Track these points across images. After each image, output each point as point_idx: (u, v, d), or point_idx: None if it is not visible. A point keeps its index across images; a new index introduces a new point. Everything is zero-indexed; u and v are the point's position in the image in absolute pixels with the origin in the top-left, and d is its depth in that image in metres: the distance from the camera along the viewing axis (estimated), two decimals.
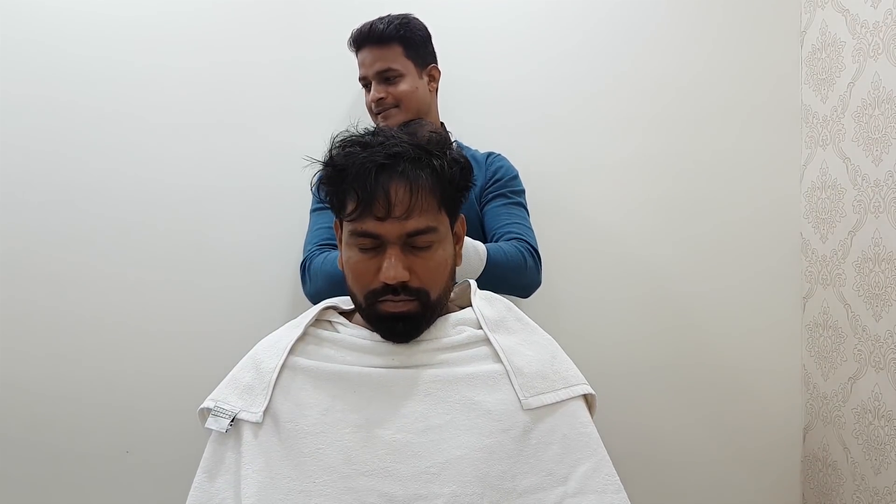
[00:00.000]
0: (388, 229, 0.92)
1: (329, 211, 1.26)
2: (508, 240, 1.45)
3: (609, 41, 1.90)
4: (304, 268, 1.43)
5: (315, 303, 1.21)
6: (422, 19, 1.59)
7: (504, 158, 1.61)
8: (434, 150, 0.96)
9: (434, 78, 1.60)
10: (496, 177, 1.56)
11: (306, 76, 1.80)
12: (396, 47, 1.52)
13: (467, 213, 1.28)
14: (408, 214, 0.92)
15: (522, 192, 1.58)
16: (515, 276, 1.40)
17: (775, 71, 1.97)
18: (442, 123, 1.62)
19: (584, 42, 1.89)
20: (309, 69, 1.80)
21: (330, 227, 1.40)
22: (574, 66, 1.88)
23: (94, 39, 1.71)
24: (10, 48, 1.68)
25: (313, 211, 1.53)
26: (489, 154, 1.61)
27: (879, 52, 1.71)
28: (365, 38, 1.53)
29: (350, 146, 0.95)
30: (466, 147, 1.62)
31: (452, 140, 1.02)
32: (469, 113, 1.81)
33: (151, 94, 1.74)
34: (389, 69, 1.52)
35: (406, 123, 1.49)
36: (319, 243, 1.45)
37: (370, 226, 0.93)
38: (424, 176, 0.93)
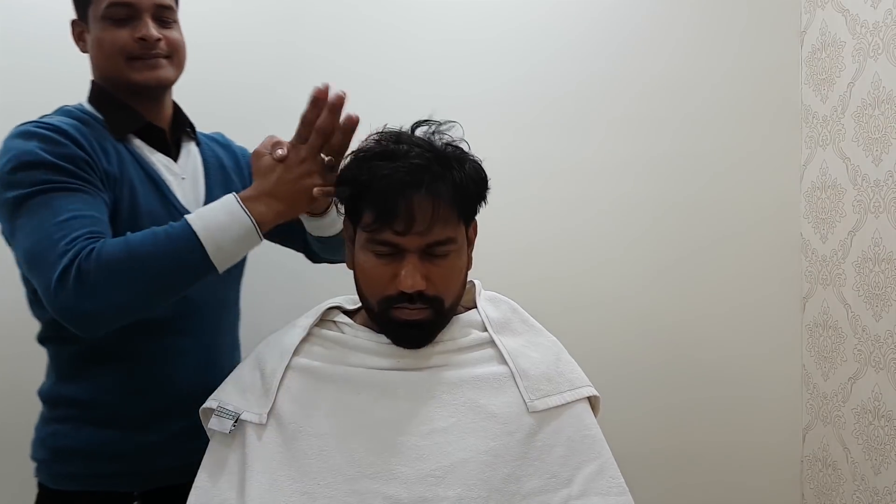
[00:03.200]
0: (408, 241, 0.92)
1: (83, 194, 1.03)
2: None
3: (608, 41, 1.90)
4: (75, 271, 0.94)
5: (94, 323, 0.98)
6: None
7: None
8: (454, 162, 0.95)
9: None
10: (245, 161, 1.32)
11: (307, 76, 1.79)
12: None
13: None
14: (429, 229, 0.91)
15: None
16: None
17: (775, 71, 1.97)
18: (175, 103, 1.28)
19: (583, 42, 1.88)
20: (309, 70, 1.79)
21: (97, 217, 1.02)
22: (572, 66, 1.88)
23: None
24: (10, 48, 1.67)
25: (46, 190, 1.01)
26: (227, 139, 1.40)
27: (879, 52, 1.71)
28: None
29: (370, 159, 0.93)
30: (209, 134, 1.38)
31: (469, 153, 1.00)
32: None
33: None
34: (169, 7, 1.16)
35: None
36: (87, 235, 0.98)
37: (389, 236, 0.92)
38: (445, 189, 0.92)
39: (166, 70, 1.16)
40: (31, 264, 1.00)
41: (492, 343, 0.99)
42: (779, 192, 1.97)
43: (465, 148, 0.99)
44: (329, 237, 1.17)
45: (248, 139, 1.33)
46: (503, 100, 1.85)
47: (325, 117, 1.00)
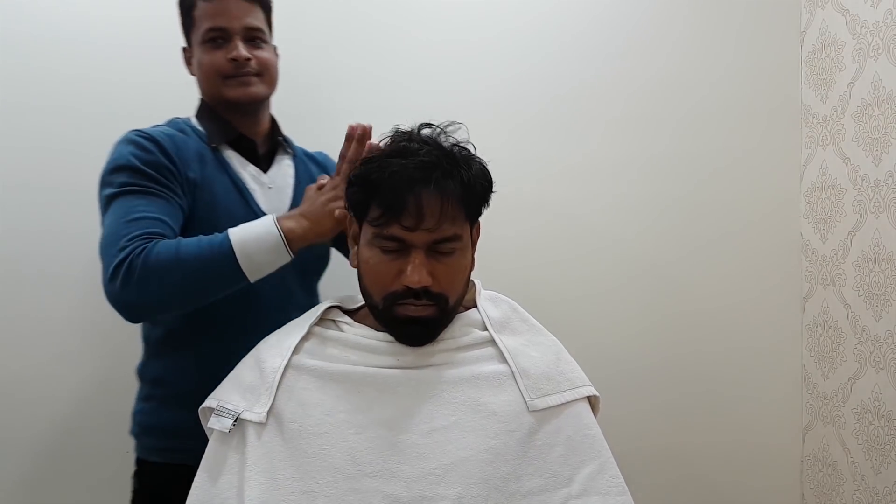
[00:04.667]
0: (416, 237, 0.92)
1: (157, 197, 1.15)
2: None
3: (608, 41, 1.90)
4: (126, 266, 1.06)
5: (136, 312, 1.12)
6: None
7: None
8: (463, 161, 0.96)
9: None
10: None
11: (307, 76, 1.79)
12: (259, 9, 1.30)
13: None
14: (437, 225, 0.92)
15: None
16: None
17: (775, 71, 1.97)
18: (272, 116, 1.40)
19: (583, 42, 1.89)
20: (310, 69, 1.79)
21: (162, 220, 1.13)
22: (572, 66, 1.88)
23: (94, 40, 1.71)
24: (10, 49, 1.67)
25: (126, 192, 1.15)
26: (320, 154, 1.46)
27: (879, 52, 1.71)
28: None
29: (382, 157, 0.95)
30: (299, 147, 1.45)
31: (476, 155, 1.01)
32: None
33: (152, 94, 1.74)
34: (259, 29, 1.28)
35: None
36: (144, 234, 1.09)
37: (396, 231, 0.92)
38: (454, 187, 0.93)
39: (257, 87, 1.28)
40: (100, 254, 1.12)
41: (492, 342, 0.99)
42: (779, 192, 1.97)
43: (472, 150, 1.01)
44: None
45: None
46: (503, 99, 1.85)
47: (353, 148, 1.12)
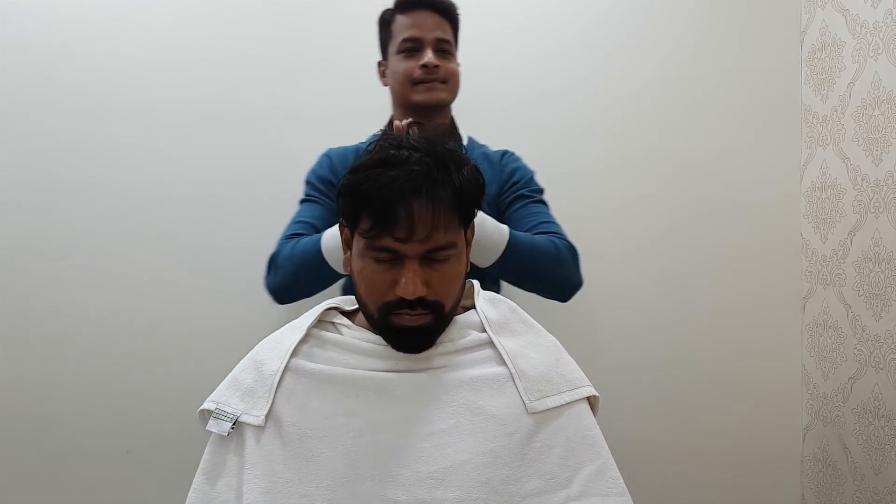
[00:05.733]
0: (409, 248, 0.91)
1: (316, 205, 1.41)
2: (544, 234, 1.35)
3: (608, 41, 1.90)
4: (271, 259, 1.35)
5: (278, 297, 1.35)
6: None
7: (519, 158, 1.52)
8: (453, 166, 0.94)
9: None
10: (513, 179, 1.46)
11: (307, 77, 1.79)
12: (448, 25, 1.45)
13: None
14: (430, 235, 0.90)
15: (541, 190, 1.48)
16: (546, 266, 1.31)
17: (775, 71, 1.97)
18: (452, 118, 1.55)
19: (583, 42, 1.89)
20: (311, 70, 1.79)
21: (309, 223, 1.37)
22: (572, 66, 1.88)
23: (93, 40, 1.71)
24: (10, 48, 1.67)
25: (301, 201, 1.45)
26: (504, 153, 1.52)
27: (879, 52, 1.71)
28: (425, 2, 1.43)
29: (370, 167, 0.92)
30: (481, 145, 1.54)
31: (468, 156, 0.99)
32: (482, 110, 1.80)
33: (153, 94, 1.74)
34: (448, 41, 1.43)
35: (418, 125, 1.39)
36: (289, 235, 1.36)
37: (389, 243, 0.91)
38: (445, 195, 0.91)
39: (441, 93, 1.42)
40: None
41: (490, 344, 0.98)
42: (779, 193, 1.97)
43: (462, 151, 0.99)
44: (505, 256, 1.28)
45: None
46: (503, 100, 1.85)
47: None
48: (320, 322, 1.03)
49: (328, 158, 1.45)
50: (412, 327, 0.93)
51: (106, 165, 1.72)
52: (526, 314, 1.06)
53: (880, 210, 1.72)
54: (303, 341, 1.00)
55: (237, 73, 1.77)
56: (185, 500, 0.95)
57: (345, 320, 1.03)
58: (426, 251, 0.92)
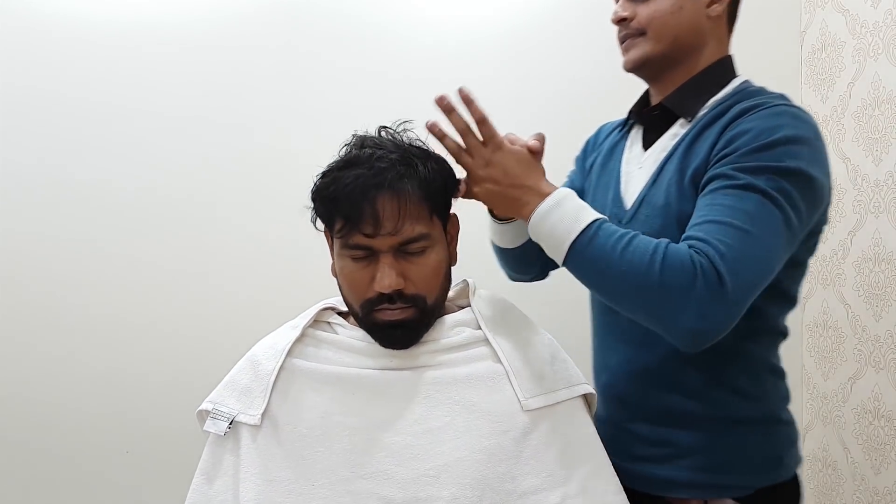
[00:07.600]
0: (380, 242, 0.92)
1: (576, 183, 1.35)
2: (684, 241, 0.94)
3: (608, 41, 1.89)
4: None
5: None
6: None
7: (770, 115, 1.02)
8: (417, 160, 0.94)
9: None
10: (727, 149, 0.99)
11: (308, 77, 1.80)
12: None
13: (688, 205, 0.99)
14: (398, 227, 0.91)
15: (765, 170, 0.95)
16: (627, 291, 0.92)
17: (775, 71, 1.96)
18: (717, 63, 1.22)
19: (583, 41, 1.88)
20: (312, 70, 1.80)
21: None
22: (572, 66, 1.88)
23: (94, 41, 1.71)
24: (10, 49, 1.68)
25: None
26: (754, 107, 1.05)
27: (879, 52, 1.71)
28: None
29: (336, 170, 0.94)
30: (755, 89, 1.21)
31: (433, 151, 0.99)
32: None
33: (153, 94, 1.74)
34: None
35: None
36: None
37: (359, 239, 0.92)
38: (411, 187, 0.92)
39: (638, 48, 1.13)
40: None
41: (486, 341, 0.99)
42: None
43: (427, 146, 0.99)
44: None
45: None
46: (501, 99, 1.85)
47: (454, 119, 0.99)
48: (316, 322, 1.04)
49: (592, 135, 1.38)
50: (395, 322, 0.94)
51: (107, 166, 1.73)
52: (521, 312, 1.06)
53: (880, 210, 1.72)
54: (299, 341, 1.01)
55: (242, 73, 1.78)
56: (184, 501, 0.96)
57: (340, 320, 1.04)
58: (398, 244, 0.92)
